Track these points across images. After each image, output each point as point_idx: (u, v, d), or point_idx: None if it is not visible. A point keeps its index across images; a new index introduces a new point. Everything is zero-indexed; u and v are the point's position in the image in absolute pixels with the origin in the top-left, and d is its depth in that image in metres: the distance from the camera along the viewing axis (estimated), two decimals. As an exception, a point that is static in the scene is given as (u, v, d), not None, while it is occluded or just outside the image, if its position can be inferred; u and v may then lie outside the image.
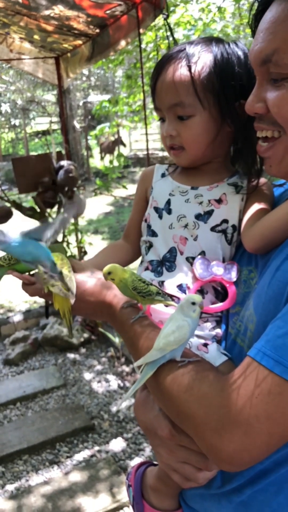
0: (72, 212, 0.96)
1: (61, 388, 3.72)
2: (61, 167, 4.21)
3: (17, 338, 4.42)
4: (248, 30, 2.06)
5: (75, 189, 4.34)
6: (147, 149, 3.49)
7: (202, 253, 0.96)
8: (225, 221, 0.97)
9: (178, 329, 0.76)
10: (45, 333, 4.37)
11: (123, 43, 3.34)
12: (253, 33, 0.78)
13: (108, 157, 15.60)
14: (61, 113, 4.88)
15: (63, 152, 4.55)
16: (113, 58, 7.19)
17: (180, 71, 0.92)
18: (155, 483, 0.96)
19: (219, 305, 0.94)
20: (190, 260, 0.96)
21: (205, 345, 0.91)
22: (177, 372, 0.75)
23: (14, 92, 16.14)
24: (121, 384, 3.73)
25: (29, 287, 0.99)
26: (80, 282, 0.95)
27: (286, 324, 0.65)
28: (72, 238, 4.71)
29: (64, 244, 4.51)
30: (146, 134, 3.42)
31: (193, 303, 0.77)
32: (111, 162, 12.25)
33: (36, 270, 0.96)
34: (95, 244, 6.24)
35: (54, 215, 4.45)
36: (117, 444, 3.05)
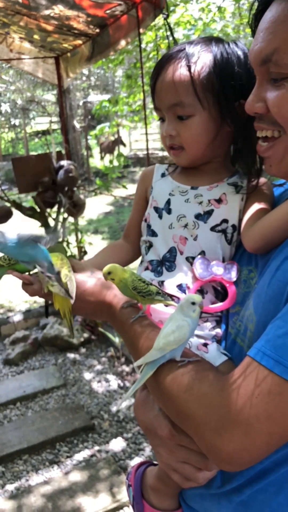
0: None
1: (61, 388, 3.72)
2: (61, 167, 4.21)
3: (17, 338, 4.42)
4: (248, 30, 2.06)
5: (75, 189, 4.34)
6: (147, 149, 3.49)
7: (202, 253, 0.96)
8: (225, 221, 0.97)
9: (178, 329, 0.76)
10: (45, 333, 4.37)
11: (123, 42, 3.34)
12: (253, 33, 0.78)
13: (108, 157, 15.60)
14: (61, 113, 4.88)
15: (63, 152, 4.55)
16: (113, 58, 7.19)
17: (180, 71, 0.92)
18: (155, 483, 0.96)
19: (219, 305, 0.94)
20: (190, 260, 0.96)
21: (205, 345, 0.91)
22: (177, 372, 0.75)
23: (14, 92, 16.14)
24: (121, 384, 3.73)
25: (29, 287, 0.99)
26: (80, 282, 0.95)
27: (286, 324, 0.65)
28: (72, 238, 4.71)
29: (64, 244, 4.51)
30: (146, 134, 3.42)
31: (193, 303, 0.77)
32: (111, 162, 12.26)
33: (36, 270, 0.96)
34: (95, 244, 6.24)
35: (54, 215, 4.45)
36: (117, 444, 3.05)
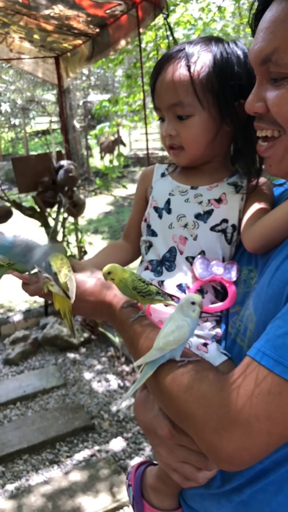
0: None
1: (61, 388, 3.72)
2: (61, 166, 4.21)
3: (17, 338, 4.42)
4: (248, 30, 2.06)
5: (75, 188, 4.34)
6: (147, 149, 3.49)
7: (202, 252, 0.96)
8: (225, 220, 0.97)
9: (178, 329, 0.76)
10: (45, 332, 4.37)
11: (123, 42, 3.34)
12: (253, 33, 0.78)
13: (108, 156, 15.59)
14: (61, 113, 4.88)
15: (63, 151, 4.56)
16: (113, 58, 7.19)
17: (179, 71, 0.92)
18: (155, 483, 0.96)
19: (219, 305, 0.94)
20: (190, 260, 0.96)
21: (205, 344, 0.91)
22: (177, 371, 0.75)
23: (14, 91, 16.14)
24: (121, 384, 3.73)
25: (29, 286, 0.99)
26: (80, 282, 0.95)
27: (286, 324, 0.65)
28: (72, 238, 4.71)
29: (64, 244, 4.51)
30: (146, 133, 3.42)
31: (193, 303, 0.77)
32: (111, 161, 12.24)
33: (36, 270, 0.96)
34: (95, 244, 6.24)
35: (54, 215, 4.45)
36: (117, 444, 3.05)
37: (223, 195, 0.97)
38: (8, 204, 4.16)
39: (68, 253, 4.53)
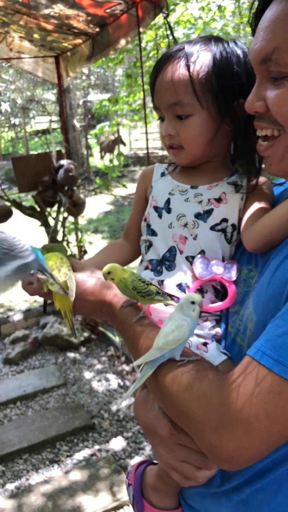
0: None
1: (61, 387, 3.72)
2: (61, 166, 4.21)
3: (17, 337, 4.42)
4: (248, 29, 2.06)
5: (75, 188, 4.34)
6: (147, 148, 3.49)
7: (202, 252, 0.96)
8: (225, 220, 0.97)
9: (178, 328, 0.76)
10: (45, 332, 4.37)
11: (123, 42, 3.34)
12: (253, 32, 0.78)
13: (108, 156, 15.58)
14: (61, 112, 4.88)
15: (63, 151, 4.55)
16: (113, 57, 7.18)
17: (179, 70, 0.92)
18: (155, 482, 0.97)
19: (219, 304, 0.94)
20: (190, 259, 0.96)
21: (205, 344, 0.91)
22: (177, 371, 0.75)
23: (14, 91, 16.13)
24: (121, 383, 3.73)
25: (29, 286, 0.99)
26: (80, 281, 0.95)
27: (286, 323, 0.65)
28: (72, 237, 4.71)
29: (64, 243, 4.51)
30: (146, 133, 3.42)
31: (193, 302, 0.77)
32: (111, 161, 12.23)
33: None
34: (95, 243, 6.23)
35: (54, 214, 4.45)
36: (117, 443, 3.06)
37: (223, 194, 0.97)
38: (8, 203, 4.16)
39: (68, 253, 4.52)
